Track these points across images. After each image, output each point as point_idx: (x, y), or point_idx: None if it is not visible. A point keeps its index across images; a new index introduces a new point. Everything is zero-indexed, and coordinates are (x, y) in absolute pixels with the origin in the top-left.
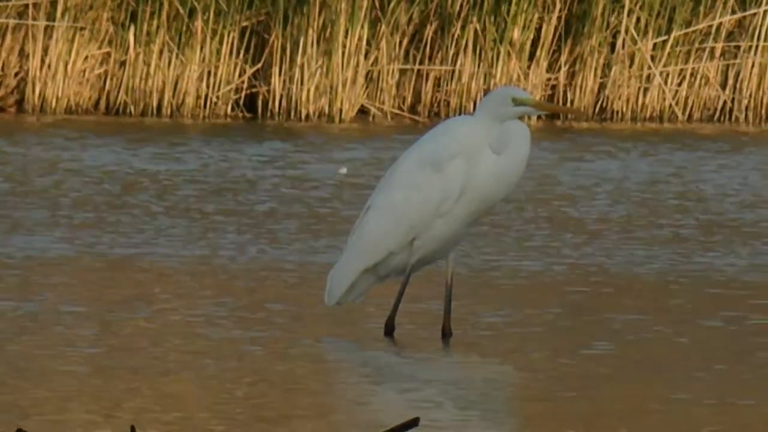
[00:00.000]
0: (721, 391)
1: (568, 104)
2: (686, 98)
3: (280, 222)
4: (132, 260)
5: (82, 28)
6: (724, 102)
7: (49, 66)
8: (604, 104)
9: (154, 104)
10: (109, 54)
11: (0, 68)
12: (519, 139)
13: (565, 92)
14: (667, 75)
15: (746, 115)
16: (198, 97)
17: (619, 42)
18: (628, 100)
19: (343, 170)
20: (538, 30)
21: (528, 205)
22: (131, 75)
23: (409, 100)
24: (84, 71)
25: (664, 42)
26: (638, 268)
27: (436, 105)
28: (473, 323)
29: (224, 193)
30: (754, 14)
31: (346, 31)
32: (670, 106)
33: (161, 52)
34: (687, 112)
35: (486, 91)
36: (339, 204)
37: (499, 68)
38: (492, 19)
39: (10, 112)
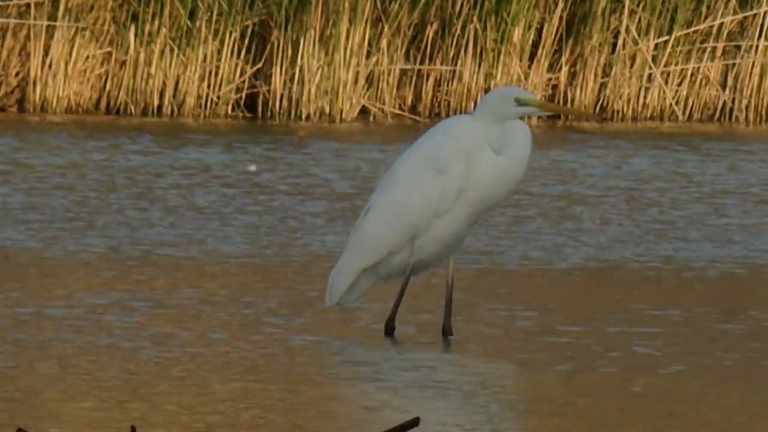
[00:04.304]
0: (727, 388)
1: (569, 104)
2: (686, 98)
3: (281, 220)
4: (131, 258)
5: (83, 28)
6: (724, 102)
7: (50, 66)
8: (605, 104)
9: (155, 104)
10: (110, 54)
11: (1, 68)
12: (520, 139)
13: (566, 92)
14: (668, 75)
15: (746, 115)
16: (199, 97)
17: (620, 42)
18: (628, 100)
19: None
20: (539, 30)
21: (529, 203)
22: (132, 75)
23: (409, 100)
24: (85, 71)
25: (665, 42)
26: (641, 265)
27: (436, 105)
28: (473, 323)
29: (226, 193)
30: (755, 14)
31: (347, 32)
32: (671, 105)
33: (162, 52)
34: (687, 112)
35: (486, 92)
36: (339, 204)
37: (500, 68)
38: (493, 19)
39: (11, 111)
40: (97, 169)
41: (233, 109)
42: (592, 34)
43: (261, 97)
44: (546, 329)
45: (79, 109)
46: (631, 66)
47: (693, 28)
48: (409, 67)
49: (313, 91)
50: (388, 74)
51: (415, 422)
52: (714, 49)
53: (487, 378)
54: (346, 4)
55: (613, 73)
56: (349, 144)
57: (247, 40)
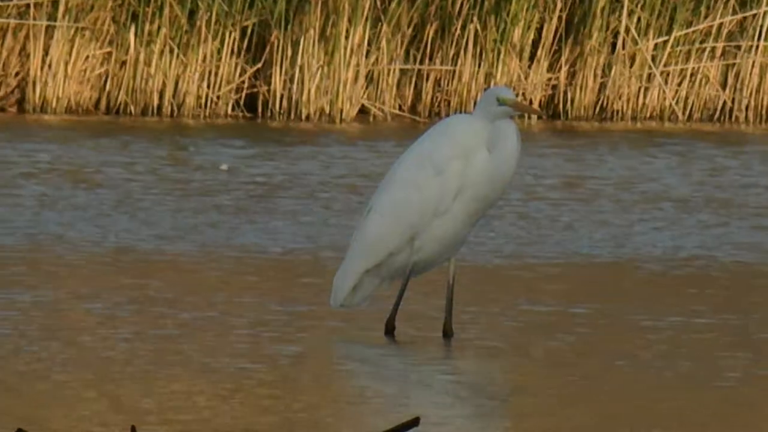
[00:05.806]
0: (727, 383)
1: (569, 104)
2: (686, 98)
3: (280, 221)
4: (130, 256)
5: (83, 28)
6: (724, 102)
7: (49, 66)
8: (605, 104)
9: (155, 104)
10: (109, 54)
11: (1, 68)
12: (506, 137)
13: (565, 92)
14: (668, 75)
15: (746, 115)
16: (198, 97)
17: (620, 42)
18: (628, 100)
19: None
20: (539, 30)
21: (528, 203)
22: (132, 75)
23: (409, 100)
24: (85, 71)
25: (665, 42)
26: (639, 265)
27: (436, 105)
28: (474, 323)
29: (227, 192)
30: (755, 15)
31: (347, 31)
32: (671, 105)
33: (162, 52)
34: (687, 112)
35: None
36: (339, 204)
37: (500, 68)
38: (492, 19)
39: (11, 111)
40: (97, 168)
41: (233, 109)
42: (592, 34)
43: (261, 97)
44: (547, 329)
45: (79, 109)
46: (631, 66)
47: (693, 28)
48: (408, 66)
49: (313, 91)
50: (388, 74)
51: (415, 422)
52: (714, 49)
53: (487, 378)
54: (346, 4)
55: (612, 73)
56: (348, 143)
57: (247, 40)
